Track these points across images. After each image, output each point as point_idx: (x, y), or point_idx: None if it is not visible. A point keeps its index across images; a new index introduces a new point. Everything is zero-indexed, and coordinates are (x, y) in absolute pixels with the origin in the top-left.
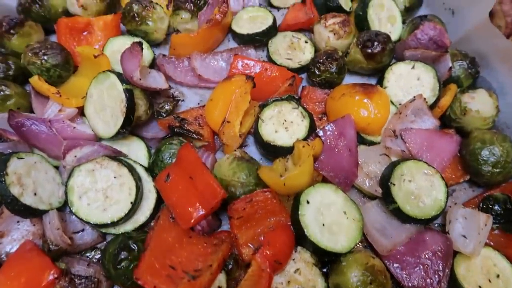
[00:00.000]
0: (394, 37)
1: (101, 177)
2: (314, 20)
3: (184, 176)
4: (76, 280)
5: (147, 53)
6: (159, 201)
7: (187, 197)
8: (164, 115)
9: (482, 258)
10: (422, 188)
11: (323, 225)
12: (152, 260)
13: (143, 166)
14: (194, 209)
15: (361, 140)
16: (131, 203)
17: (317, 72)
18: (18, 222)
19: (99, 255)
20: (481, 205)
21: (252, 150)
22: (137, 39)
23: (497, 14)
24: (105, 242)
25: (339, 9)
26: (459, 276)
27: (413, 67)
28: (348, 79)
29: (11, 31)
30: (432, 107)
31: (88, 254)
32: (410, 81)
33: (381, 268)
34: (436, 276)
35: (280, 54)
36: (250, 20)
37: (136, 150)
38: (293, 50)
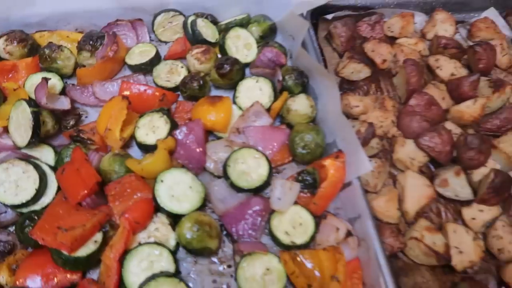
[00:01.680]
0: (250, 59)
1: (14, 172)
2: (186, 51)
3: (73, 169)
4: None
5: (59, 84)
6: (60, 189)
7: (74, 183)
8: (69, 128)
9: (292, 213)
10: (251, 167)
11: (173, 196)
12: (44, 223)
13: (48, 165)
14: (78, 190)
15: (217, 137)
16: (36, 189)
17: (183, 90)
18: None
19: None
20: (298, 177)
21: (135, 150)
22: (49, 75)
23: (333, 35)
24: None
25: (206, 41)
26: (273, 226)
27: (257, 81)
28: (215, 92)
29: None
30: (269, 109)
31: (10, 228)
32: (255, 91)
33: (208, 222)
34: (256, 227)
35: (161, 77)
36: (140, 53)
37: (47, 155)
38: (172, 74)
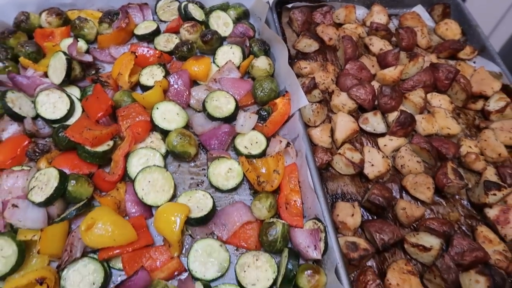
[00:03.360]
0: (227, 34)
1: (52, 97)
2: (180, 26)
3: (94, 98)
4: (38, 144)
5: (84, 46)
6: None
7: (94, 106)
8: (91, 75)
9: (250, 135)
10: (222, 104)
11: (165, 118)
12: (74, 127)
13: (76, 96)
14: (97, 111)
15: (199, 84)
16: (67, 110)
17: (176, 52)
18: (11, 123)
19: None
20: (258, 112)
21: (140, 93)
22: (78, 39)
23: (292, 19)
24: None
25: (195, 19)
26: (236, 143)
27: (231, 48)
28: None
29: (9, 36)
30: (239, 67)
31: (46, 139)
32: (229, 55)
33: (188, 134)
34: (223, 142)
35: (160, 44)
36: (145, 27)
37: (74, 92)
38: (168, 42)
